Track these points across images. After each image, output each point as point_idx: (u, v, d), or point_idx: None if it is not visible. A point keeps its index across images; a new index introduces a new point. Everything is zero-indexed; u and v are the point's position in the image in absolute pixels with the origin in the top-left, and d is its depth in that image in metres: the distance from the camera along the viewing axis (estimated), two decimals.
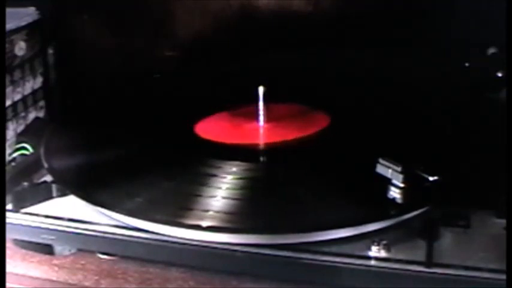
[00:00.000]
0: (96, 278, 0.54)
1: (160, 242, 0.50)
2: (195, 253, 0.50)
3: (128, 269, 0.54)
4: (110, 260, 0.55)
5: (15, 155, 0.66)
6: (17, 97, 0.74)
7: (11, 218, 0.55)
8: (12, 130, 0.73)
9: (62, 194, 0.57)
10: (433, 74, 0.71)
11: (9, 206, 0.56)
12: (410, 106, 0.66)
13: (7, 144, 0.71)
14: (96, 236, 0.53)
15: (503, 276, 0.43)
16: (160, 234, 0.50)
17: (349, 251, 0.48)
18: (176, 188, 0.55)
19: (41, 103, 0.79)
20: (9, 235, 0.55)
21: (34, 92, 0.78)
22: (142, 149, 0.62)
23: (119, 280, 0.53)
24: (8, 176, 0.58)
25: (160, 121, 0.67)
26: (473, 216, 0.51)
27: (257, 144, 0.63)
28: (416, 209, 0.50)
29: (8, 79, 0.72)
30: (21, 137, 0.69)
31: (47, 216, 0.55)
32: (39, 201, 0.56)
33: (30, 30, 0.76)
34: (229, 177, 0.55)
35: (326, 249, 0.48)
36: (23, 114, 0.76)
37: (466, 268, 0.46)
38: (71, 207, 0.55)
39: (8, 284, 0.52)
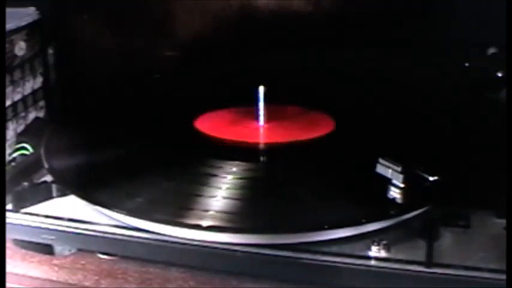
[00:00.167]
0: (96, 278, 0.54)
1: (160, 242, 0.50)
2: (195, 253, 0.50)
3: (128, 269, 0.54)
4: (110, 260, 0.55)
5: (15, 155, 0.66)
6: (17, 97, 0.74)
7: (11, 218, 0.55)
8: (12, 130, 0.73)
9: (62, 194, 0.57)
10: (433, 74, 0.71)
11: (9, 206, 0.56)
12: (410, 106, 0.66)
13: (7, 144, 0.71)
14: (96, 236, 0.53)
15: (503, 276, 0.43)
16: (160, 234, 0.50)
17: (349, 251, 0.48)
18: (176, 187, 0.55)
19: (41, 103, 0.79)
20: (9, 235, 0.55)
21: (34, 92, 0.78)
22: (142, 149, 0.62)
23: (119, 280, 0.53)
24: (8, 176, 0.58)
25: (160, 121, 0.67)
26: (473, 216, 0.51)
27: (257, 144, 0.63)
28: (416, 209, 0.50)
29: (8, 79, 0.72)
30: (21, 137, 0.69)
31: (47, 216, 0.55)
32: (39, 201, 0.56)
33: (30, 30, 0.76)
34: (230, 177, 0.55)
35: (326, 249, 0.48)
36: (23, 114, 0.75)
37: (466, 268, 0.46)
38: (71, 207, 0.55)
39: (8, 284, 0.52)
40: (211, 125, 0.65)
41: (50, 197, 0.57)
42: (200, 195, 0.52)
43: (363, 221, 0.49)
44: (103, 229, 0.53)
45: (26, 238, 0.56)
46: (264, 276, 0.50)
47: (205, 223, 0.49)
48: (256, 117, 0.64)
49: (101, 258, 0.55)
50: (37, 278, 0.54)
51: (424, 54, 0.74)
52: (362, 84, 0.72)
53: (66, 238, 0.54)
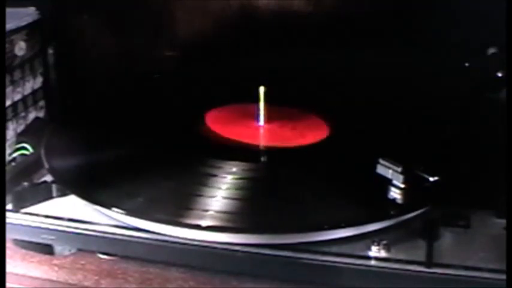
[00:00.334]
0: (96, 278, 0.54)
1: (160, 242, 0.50)
2: (195, 253, 0.50)
3: (128, 269, 0.54)
4: (110, 260, 0.55)
5: (15, 155, 0.66)
6: (17, 97, 0.74)
7: (11, 218, 0.55)
8: (12, 130, 0.73)
9: (62, 194, 0.57)
10: (433, 74, 0.71)
11: (9, 206, 0.56)
12: (410, 106, 0.66)
13: (7, 144, 0.71)
14: (96, 236, 0.53)
15: (503, 276, 0.43)
16: (160, 234, 0.50)
17: (349, 251, 0.48)
18: (176, 187, 0.55)
19: (41, 103, 0.79)
20: (9, 235, 0.55)
21: (34, 92, 0.78)
22: (142, 148, 0.62)
23: (119, 280, 0.53)
24: (8, 176, 0.58)
25: (161, 121, 0.67)
26: (473, 216, 0.51)
27: (257, 145, 0.63)
28: (416, 209, 0.50)
29: (8, 79, 0.72)
30: (21, 137, 0.69)
31: (47, 216, 0.55)
32: (39, 201, 0.56)
33: (30, 30, 0.76)
34: (230, 177, 0.55)
35: (326, 249, 0.48)
36: (23, 114, 0.75)
37: (466, 268, 0.46)
38: (71, 207, 0.55)
39: (8, 284, 0.52)
40: (211, 125, 0.65)
41: (50, 197, 0.57)
42: (200, 195, 0.52)
43: (363, 221, 0.49)
44: (103, 229, 0.53)
45: (26, 238, 0.56)
46: (264, 276, 0.50)
47: (205, 223, 0.49)
48: (256, 117, 0.64)
49: (101, 258, 0.55)
50: (37, 278, 0.54)
51: (424, 54, 0.74)
52: (362, 84, 0.72)
53: (66, 238, 0.54)
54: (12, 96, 0.74)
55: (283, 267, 0.48)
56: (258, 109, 0.64)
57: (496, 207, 0.51)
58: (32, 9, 0.77)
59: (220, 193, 0.53)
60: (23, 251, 0.57)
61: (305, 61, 0.78)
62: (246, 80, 0.71)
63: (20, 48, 0.74)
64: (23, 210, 0.55)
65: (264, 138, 0.64)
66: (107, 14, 0.87)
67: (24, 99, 0.76)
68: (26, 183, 0.57)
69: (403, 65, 0.73)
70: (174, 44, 0.86)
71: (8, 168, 0.64)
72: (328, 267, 0.47)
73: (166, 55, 0.86)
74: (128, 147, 0.62)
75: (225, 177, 0.55)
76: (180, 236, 0.50)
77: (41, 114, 0.79)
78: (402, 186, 0.49)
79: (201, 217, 0.50)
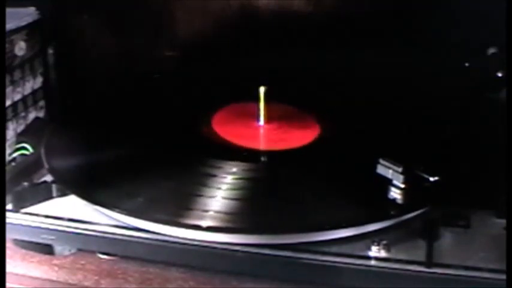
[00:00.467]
0: (96, 278, 0.54)
1: (160, 242, 0.50)
2: (195, 253, 0.50)
3: (128, 269, 0.54)
4: (110, 260, 0.55)
5: (15, 155, 0.66)
6: (17, 97, 0.74)
7: (11, 218, 0.55)
8: (12, 130, 0.73)
9: (62, 194, 0.57)
10: (433, 74, 0.71)
11: (9, 206, 0.56)
12: (410, 106, 0.66)
13: (7, 144, 0.71)
14: (96, 236, 0.53)
15: (503, 276, 0.43)
16: (160, 234, 0.50)
17: (349, 251, 0.48)
18: (176, 188, 0.55)
19: (41, 103, 0.79)
20: (9, 235, 0.55)
21: (34, 92, 0.78)
22: (142, 148, 0.62)
23: (119, 280, 0.53)
24: (8, 176, 0.58)
25: (161, 121, 0.67)
26: (473, 216, 0.51)
27: (257, 145, 0.62)
28: (416, 210, 0.50)
29: (8, 79, 0.72)
30: (21, 137, 0.69)
31: (47, 216, 0.55)
32: (39, 201, 0.56)
33: (30, 30, 0.76)
34: (230, 177, 0.55)
35: (326, 249, 0.48)
36: (23, 114, 0.75)
37: (466, 268, 0.46)
38: (71, 207, 0.55)
39: (8, 284, 0.52)
40: (211, 125, 0.65)
41: (50, 197, 0.57)
42: (200, 196, 0.52)
43: (363, 221, 0.49)
44: (103, 229, 0.53)
45: (26, 238, 0.56)
46: (264, 276, 0.50)
47: (205, 223, 0.49)
48: (257, 117, 0.64)
49: (101, 258, 0.55)
50: (37, 278, 0.54)
51: (424, 54, 0.74)
52: (362, 84, 0.72)
53: (66, 238, 0.54)
54: (12, 96, 0.73)
55: (283, 267, 0.48)
56: (258, 109, 0.64)
57: (496, 207, 0.51)
58: (32, 9, 0.77)
59: (220, 193, 0.53)
60: (23, 251, 0.57)
61: (305, 61, 0.78)
62: (246, 80, 0.71)
63: (20, 48, 0.74)
64: (23, 210, 0.55)
65: (264, 138, 0.63)
66: (107, 14, 0.87)
67: (24, 99, 0.76)
68: (26, 183, 0.57)
69: (403, 65, 0.73)
70: (174, 44, 0.86)
71: (8, 168, 0.64)
72: (328, 267, 0.47)
73: (166, 55, 0.86)
74: (128, 147, 0.62)
75: (225, 178, 0.55)
76: (180, 236, 0.50)
77: (41, 114, 0.79)
78: (402, 186, 0.49)
79: (201, 217, 0.50)
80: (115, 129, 0.66)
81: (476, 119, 0.63)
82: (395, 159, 0.50)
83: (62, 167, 0.60)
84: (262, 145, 0.63)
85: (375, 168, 0.51)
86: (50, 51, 0.79)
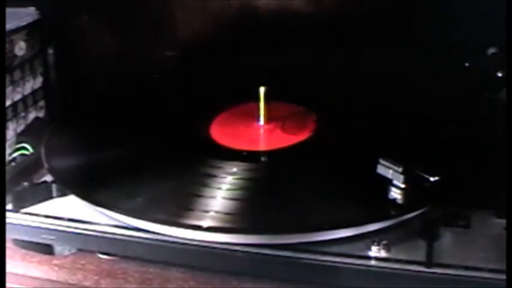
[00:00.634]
0: (96, 278, 0.54)
1: (160, 242, 0.50)
2: (195, 253, 0.50)
3: (128, 269, 0.54)
4: (110, 260, 0.55)
5: (15, 155, 0.66)
6: (17, 97, 0.74)
7: (11, 218, 0.55)
8: (12, 130, 0.73)
9: (62, 194, 0.57)
10: (433, 74, 0.71)
11: (9, 206, 0.56)
12: (410, 106, 0.66)
13: (7, 144, 0.71)
14: (96, 236, 0.53)
15: (503, 276, 0.43)
16: (160, 234, 0.50)
17: (349, 251, 0.48)
18: (176, 188, 0.55)
19: (41, 103, 0.79)
20: (9, 235, 0.55)
21: (34, 92, 0.78)
22: (142, 148, 0.62)
23: (119, 280, 0.53)
24: (8, 176, 0.58)
25: (160, 121, 0.67)
26: (473, 216, 0.51)
27: (257, 145, 0.62)
28: (417, 210, 0.50)
29: (8, 79, 0.72)
30: (21, 137, 0.69)
31: (47, 216, 0.55)
32: (39, 201, 0.56)
33: (30, 30, 0.76)
34: (230, 177, 0.55)
35: (326, 249, 0.48)
36: (23, 114, 0.75)
37: (466, 268, 0.46)
38: (71, 207, 0.55)
39: (8, 284, 0.52)
40: (211, 125, 0.65)
41: (50, 197, 0.57)
42: (200, 196, 0.52)
43: (363, 221, 0.49)
44: (103, 229, 0.53)
45: (26, 238, 0.56)
46: (264, 276, 0.50)
47: (205, 223, 0.49)
48: (257, 117, 0.64)
49: (101, 258, 0.55)
50: (37, 278, 0.54)
51: (424, 54, 0.74)
52: (362, 84, 0.72)
53: (66, 238, 0.54)
54: (12, 96, 0.74)
55: (283, 267, 0.48)
56: (258, 109, 0.64)
57: (496, 207, 0.51)
58: (32, 9, 0.77)
59: (220, 193, 0.53)
60: (23, 251, 0.57)
61: (305, 61, 0.78)
62: (246, 80, 0.71)
63: (20, 48, 0.74)
64: (23, 210, 0.55)
65: (264, 138, 0.63)
66: (107, 14, 0.87)
67: (24, 99, 0.76)
68: (26, 183, 0.57)
69: (403, 65, 0.73)
70: (174, 44, 0.86)
71: (8, 168, 0.64)
72: (328, 267, 0.47)
73: (166, 55, 0.86)
74: (128, 147, 0.62)
75: (225, 178, 0.55)
76: (180, 236, 0.50)
77: (41, 114, 0.79)
78: (402, 186, 0.49)
79: (201, 218, 0.50)
80: (115, 129, 0.66)
81: (476, 119, 0.63)
82: (395, 159, 0.50)
83: (62, 167, 0.60)
84: (262, 145, 0.63)
85: (375, 168, 0.51)
86: (50, 51, 0.79)
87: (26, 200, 0.56)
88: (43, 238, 0.54)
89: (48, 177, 0.59)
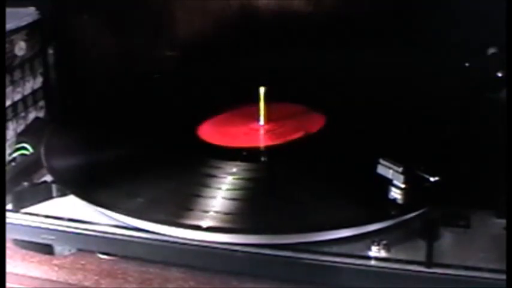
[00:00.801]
0: (96, 278, 0.54)
1: (160, 242, 0.50)
2: (195, 253, 0.50)
3: (128, 269, 0.54)
4: (110, 260, 0.55)
5: (15, 155, 0.66)
6: (17, 97, 0.74)
7: (11, 218, 0.55)
8: (12, 130, 0.73)
9: (62, 194, 0.57)
10: (433, 74, 0.71)
11: (9, 206, 0.56)
12: (410, 106, 0.66)
13: (7, 144, 0.71)
14: (96, 236, 0.53)
15: (503, 276, 0.43)
16: (160, 234, 0.50)
17: (349, 251, 0.48)
18: (176, 188, 0.55)
19: (41, 103, 0.79)
20: (9, 235, 0.55)
21: (34, 92, 0.78)
22: (142, 149, 0.62)
23: (119, 280, 0.53)
24: (8, 176, 0.58)
25: (161, 121, 0.67)
26: (473, 216, 0.51)
27: (257, 145, 0.62)
28: (417, 210, 0.50)
29: (8, 79, 0.72)
30: (21, 137, 0.69)
31: (47, 216, 0.55)
32: (39, 201, 0.56)
33: (30, 30, 0.76)
34: (230, 177, 0.55)
35: (326, 249, 0.48)
36: (23, 114, 0.75)
37: (466, 268, 0.46)
38: (71, 207, 0.55)
39: (8, 284, 0.52)
40: (211, 125, 0.65)
41: (50, 197, 0.57)
42: (200, 196, 0.52)
43: (364, 221, 0.49)
44: (103, 229, 0.53)
45: (26, 238, 0.56)
46: (264, 276, 0.50)
47: (205, 224, 0.49)
48: (256, 117, 0.64)
49: (101, 258, 0.55)
50: (37, 278, 0.54)
51: (424, 54, 0.74)
52: (362, 84, 0.72)
53: (66, 238, 0.54)
54: (12, 96, 0.74)
55: (283, 267, 0.48)
56: (258, 109, 0.64)
57: (496, 207, 0.51)
58: (32, 9, 0.77)
59: (220, 193, 0.53)
60: (23, 251, 0.57)
61: (305, 61, 0.78)
62: (246, 80, 0.71)
63: (20, 48, 0.74)
64: (23, 210, 0.55)
65: (263, 138, 0.63)
66: (107, 14, 0.87)
67: (24, 99, 0.76)
68: (26, 183, 0.57)
69: (403, 65, 0.73)
70: (174, 44, 0.86)
71: (8, 168, 0.64)
72: (328, 267, 0.47)
73: (166, 55, 0.86)
74: (128, 147, 0.62)
75: (225, 178, 0.55)
76: (180, 236, 0.50)
77: (41, 114, 0.79)
78: (403, 186, 0.49)
79: (201, 218, 0.50)
80: (115, 129, 0.66)
81: (476, 119, 0.63)
82: (395, 159, 0.50)
83: (62, 167, 0.60)
84: (262, 145, 0.63)
85: (375, 168, 0.51)
86: (50, 51, 0.79)
87: (26, 200, 0.56)
88: (43, 238, 0.54)
89: (48, 177, 0.59)
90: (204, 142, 0.62)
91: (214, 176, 0.55)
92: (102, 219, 0.53)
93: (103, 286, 0.53)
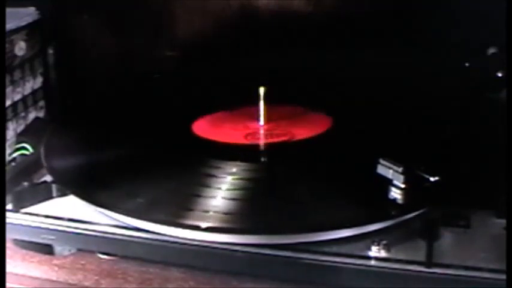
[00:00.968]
0: (96, 278, 0.54)
1: (160, 242, 0.50)
2: (195, 253, 0.50)
3: (128, 269, 0.54)
4: (110, 260, 0.55)
5: (15, 155, 0.66)
6: (17, 97, 0.74)
7: (11, 218, 0.55)
8: (12, 130, 0.73)
9: (62, 194, 0.57)
10: (433, 74, 0.71)
11: (9, 206, 0.56)
12: (410, 106, 0.66)
13: (7, 144, 0.71)
14: (96, 236, 0.53)
15: (503, 276, 0.43)
16: (160, 234, 0.50)
17: (349, 251, 0.48)
18: (176, 188, 0.55)
19: (41, 103, 0.79)
20: (9, 235, 0.55)
21: (34, 92, 0.78)
22: (142, 149, 0.62)
23: (119, 280, 0.53)
24: (8, 176, 0.58)
25: (161, 121, 0.67)
26: (473, 216, 0.51)
27: (257, 145, 0.63)
28: (417, 210, 0.50)
29: (8, 79, 0.72)
30: (21, 137, 0.69)
31: (47, 216, 0.55)
32: (39, 201, 0.56)
33: (30, 30, 0.76)
34: (229, 177, 0.55)
35: (326, 249, 0.48)
36: (23, 114, 0.75)
37: (466, 268, 0.46)
38: (71, 207, 0.55)
39: (8, 284, 0.52)
40: (211, 125, 0.65)
41: (50, 197, 0.57)
42: (200, 196, 0.52)
43: (364, 221, 0.49)
44: (103, 229, 0.53)
45: (26, 238, 0.56)
46: (264, 276, 0.50)
47: (205, 224, 0.49)
48: (256, 117, 0.64)
49: (101, 258, 0.55)
50: (37, 278, 0.54)
51: (424, 54, 0.74)
52: (362, 84, 0.72)
53: (66, 238, 0.54)
54: (12, 96, 0.74)
55: (283, 267, 0.48)
56: (258, 109, 0.64)
57: (496, 207, 0.51)
58: (32, 9, 0.77)
59: (220, 193, 0.53)
60: (23, 251, 0.57)
61: (305, 61, 0.78)
62: (246, 80, 0.71)
63: (20, 48, 0.74)
64: (23, 210, 0.55)
65: (263, 138, 0.63)
66: (107, 14, 0.87)
67: (24, 99, 0.76)
68: (26, 183, 0.57)
69: (403, 65, 0.73)
70: (174, 44, 0.86)
71: (8, 168, 0.64)
72: (328, 267, 0.47)
73: (166, 55, 0.86)
74: (128, 147, 0.62)
75: (224, 178, 0.55)
76: (180, 236, 0.50)
77: (41, 114, 0.79)
78: (403, 186, 0.49)
79: (201, 218, 0.50)
80: (115, 129, 0.66)
81: (476, 119, 0.63)
82: (395, 159, 0.50)
83: (62, 167, 0.60)
84: (262, 145, 0.63)
85: (375, 168, 0.51)
86: (50, 51, 0.79)
87: (26, 200, 0.56)
88: (43, 238, 0.54)
89: (48, 177, 0.59)
90: (203, 142, 0.62)
91: (214, 176, 0.55)
92: (102, 219, 0.53)
93: (103, 286, 0.53)
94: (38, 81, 0.78)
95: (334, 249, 0.48)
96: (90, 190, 0.55)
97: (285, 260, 0.48)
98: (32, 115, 0.77)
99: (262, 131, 0.64)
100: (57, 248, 0.56)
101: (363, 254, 0.48)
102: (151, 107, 0.72)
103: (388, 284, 0.46)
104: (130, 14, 0.86)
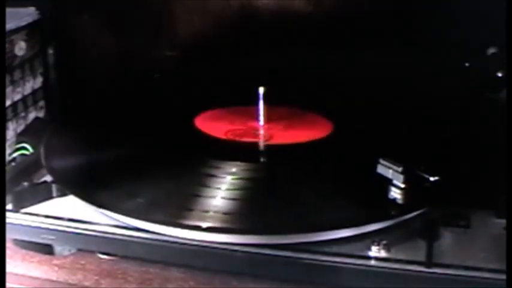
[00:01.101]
0: (96, 278, 0.54)
1: (160, 242, 0.50)
2: (195, 253, 0.50)
3: (128, 269, 0.54)
4: (110, 260, 0.55)
5: (15, 155, 0.66)
6: (17, 97, 0.74)
7: (11, 218, 0.55)
8: (12, 130, 0.73)
9: (62, 194, 0.57)
10: (433, 74, 0.71)
11: (9, 206, 0.56)
12: (410, 106, 0.66)
13: (7, 144, 0.71)
14: (96, 236, 0.53)
15: (503, 276, 0.43)
16: (160, 234, 0.50)
17: (349, 251, 0.48)
18: (176, 188, 0.55)
19: (41, 103, 0.79)
20: (9, 235, 0.55)
21: (34, 92, 0.78)
22: (142, 149, 0.62)
23: (119, 280, 0.53)
24: (8, 176, 0.58)
25: (161, 121, 0.67)
26: (473, 216, 0.51)
27: (257, 145, 0.62)
28: (417, 210, 0.50)
29: (8, 79, 0.72)
30: (21, 137, 0.69)
31: (47, 216, 0.55)
32: (39, 201, 0.56)
33: (30, 30, 0.76)
34: (229, 177, 0.55)
35: (326, 249, 0.48)
36: (23, 114, 0.75)
37: (466, 268, 0.46)
38: (71, 207, 0.55)
39: (8, 284, 0.52)
40: (211, 125, 0.65)
41: (50, 197, 0.57)
42: (200, 196, 0.52)
43: (364, 221, 0.49)
44: (103, 229, 0.53)
45: (26, 238, 0.56)
46: (264, 276, 0.50)
47: (205, 224, 0.49)
48: (256, 117, 0.64)
49: (101, 258, 0.55)
50: (37, 278, 0.54)
51: (424, 54, 0.74)
52: (362, 84, 0.72)
53: (66, 238, 0.54)
54: (12, 96, 0.74)
55: (283, 267, 0.48)
56: (258, 109, 0.64)
57: (496, 207, 0.51)
58: (32, 9, 0.77)
59: (220, 193, 0.53)
60: (23, 251, 0.57)
61: (305, 61, 0.78)
62: (246, 80, 0.71)
63: (20, 48, 0.74)
64: (23, 210, 0.55)
65: (263, 138, 0.63)
66: (107, 14, 0.87)
67: (24, 99, 0.76)
68: (26, 183, 0.57)
69: (403, 65, 0.73)
70: (174, 44, 0.86)
71: (8, 168, 0.64)
72: (328, 267, 0.47)
73: (166, 55, 0.86)
74: (128, 147, 0.62)
75: (224, 178, 0.55)
76: (180, 236, 0.50)
77: (41, 114, 0.79)
78: (403, 186, 0.49)
79: (201, 218, 0.50)
80: (115, 129, 0.66)
81: (476, 119, 0.63)
82: (395, 159, 0.50)
83: (62, 167, 0.60)
84: (261, 145, 0.63)
85: (375, 168, 0.51)
86: (50, 51, 0.79)
87: (26, 200, 0.56)
88: (43, 238, 0.54)
89: (48, 177, 0.59)
90: (204, 142, 0.62)
91: (214, 176, 0.55)
92: (102, 219, 0.53)
93: (103, 286, 0.53)
94: (38, 81, 0.78)
95: (334, 249, 0.48)
96: (90, 190, 0.55)
97: (285, 260, 0.48)
98: (32, 115, 0.77)
99: (262, 131, 0.64)
100: (57, 248, 0.56)
101: (363, 254, 0.48)
102: (151, 107, 0.72)
103: (388, 284, 0.47)
104: (131, 14, 0.86)
